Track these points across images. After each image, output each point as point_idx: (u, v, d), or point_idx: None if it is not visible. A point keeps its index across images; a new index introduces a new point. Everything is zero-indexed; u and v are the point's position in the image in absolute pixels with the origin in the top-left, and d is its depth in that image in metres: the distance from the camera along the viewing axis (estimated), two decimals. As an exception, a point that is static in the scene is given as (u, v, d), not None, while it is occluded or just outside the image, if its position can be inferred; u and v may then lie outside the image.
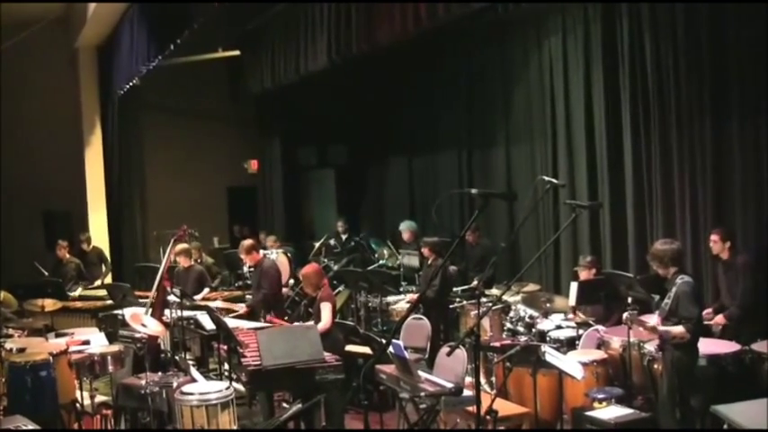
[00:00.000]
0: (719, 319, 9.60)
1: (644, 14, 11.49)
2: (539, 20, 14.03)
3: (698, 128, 10.76)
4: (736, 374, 8.56)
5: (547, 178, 7.23)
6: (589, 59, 12.73)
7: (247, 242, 12.96)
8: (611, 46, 12.19)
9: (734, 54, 10.17)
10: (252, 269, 13.65)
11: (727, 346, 8.86)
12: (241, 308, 12.48)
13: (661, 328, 8.14)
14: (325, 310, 9.94)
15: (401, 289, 14.26)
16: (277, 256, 15.03)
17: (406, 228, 15.83)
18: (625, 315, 8.27)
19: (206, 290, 13.69)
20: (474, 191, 6.66)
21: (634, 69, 11.74)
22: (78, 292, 15.29)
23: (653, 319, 8.37)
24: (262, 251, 14.10)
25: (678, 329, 8.00)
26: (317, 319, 9.95)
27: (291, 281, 14.79)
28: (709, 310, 9.72)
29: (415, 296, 13.47)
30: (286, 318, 12.28)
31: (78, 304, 14.28)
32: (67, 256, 16.27)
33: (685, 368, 7.97)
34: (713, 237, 9.92)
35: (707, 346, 8.70)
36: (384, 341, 9.28)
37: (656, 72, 11.35)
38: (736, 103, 10.22)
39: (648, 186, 11.65)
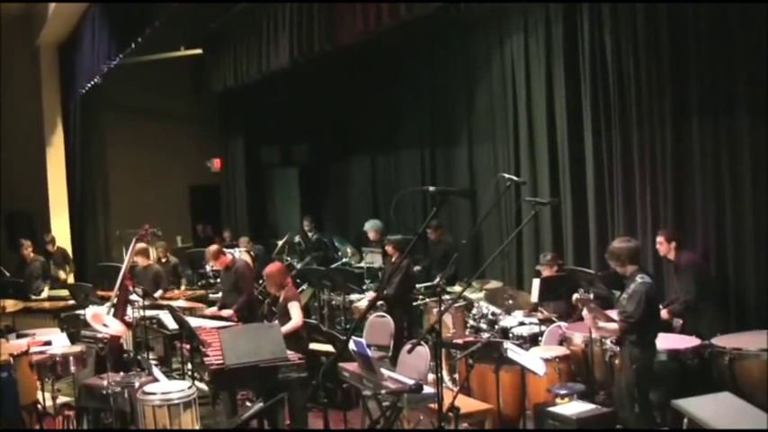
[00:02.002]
0: (664, 313, 9.74)
1: (605, 15, 11.56)
2: (501, 19, 14.07)
3: (658, 126, 10.84)
4: (696, 369, 8.64)
5: (507, 176, 7.30)
6: (550, 59, 12.80)
7: (213, 248, 12.92)
8: (573, 45, 12.26)
9: (693, 54, 10.25)
10: (214, 270, 13.65)
11: (686, 341, 8.94)
12: (227, 312, 12.36)
13: (600, 323, 8.23)
14: (294, 308, 9.93)
15: (364, 287, 14.25)
16: (240, 254, 15.00)
17: (371, 227, 15.84)
18: (575, 296, 8.32)
19: (159, 291, 13.61)
20: (432, 188, 6.68)
21: (595, 69, 11.81)
22: (45, 292, 15.22)
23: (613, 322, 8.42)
24: (231, 250, 14.07)
25: (611, 326, 8.13)
26: (282, 319, 9.94)
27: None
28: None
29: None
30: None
31: (46, 305, 14.24)
32: (32, 255, 16.15)
33: (642, 364, 8.02)
34: (659, 239, 10.10)
35: (667, 341, 8.79)
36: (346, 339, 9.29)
37: (617, 71, 11.42)
38: (696, 102, 10.30)
39: (609, 184, 11.73)
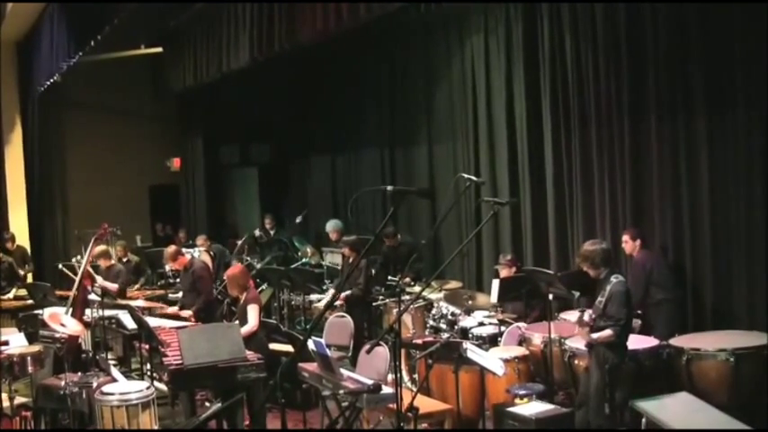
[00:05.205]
0: None
1: (564, 15, 11.62)
2: (461, 19, 14.09)
3: (617, 126, 10.91)
4: (654, 369, 8.69)
5: (466, 176, 7.29)
6: (511, 59, 12.83)
7: (171, 249, 12.78)
8: (533, 46, 12.29)
9: (651, 54, 10.34)
10: (174, 270, 13.57)
11: (645, 342, 8.97)
12: (187, 313, 12.28)
13: (593, 336, 8.16)
14: (252, 311, 9.87)
15: (324, 287, 14.23)
16: (200, 254, 14.93)
17: (332, 228, 15.81)
18: (578, 315, 8.28)
19: (115, 285, 13.48)
20: (390, 188, 6.65)
21: (554, 69, 11.87)
22: (13, 292, 15.10)
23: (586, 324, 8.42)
24: (189, 250, 13.98)
25: (606, 333, 7.96)
26: (242, 321, 9.89)
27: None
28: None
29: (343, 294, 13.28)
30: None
31: (4, 304, 14.15)
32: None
33: (615, 364, 8.03)
34: (624, 237, 10.20)
35: (626, 341, 8.87)
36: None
37: (576, 71, 11.49)
38: (654, 102, 10.39)
39: (569, 184, 11.80)
